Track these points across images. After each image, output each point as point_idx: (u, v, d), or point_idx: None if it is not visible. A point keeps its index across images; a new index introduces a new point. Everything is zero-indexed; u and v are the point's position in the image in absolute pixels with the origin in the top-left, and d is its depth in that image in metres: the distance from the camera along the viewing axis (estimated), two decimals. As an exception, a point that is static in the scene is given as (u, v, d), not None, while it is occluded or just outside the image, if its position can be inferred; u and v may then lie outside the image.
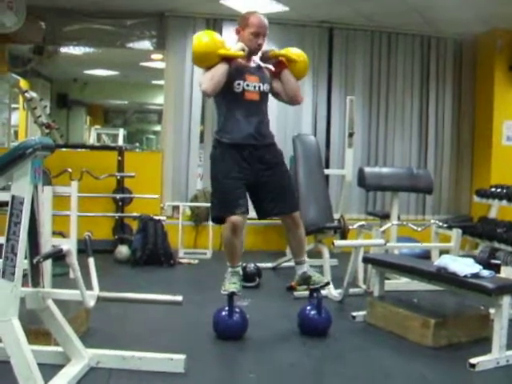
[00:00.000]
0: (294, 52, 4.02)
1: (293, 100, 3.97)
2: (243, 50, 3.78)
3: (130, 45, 7.72)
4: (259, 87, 3.82)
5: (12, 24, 6.43)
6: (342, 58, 7.92)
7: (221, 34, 7.48)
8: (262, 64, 3.96)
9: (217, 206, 3.84)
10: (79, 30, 7.48)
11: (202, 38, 3.78)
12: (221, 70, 3.68)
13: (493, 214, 6.87)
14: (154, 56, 9.02)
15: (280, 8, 7.01)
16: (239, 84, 3.76)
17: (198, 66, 3.96)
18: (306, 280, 3.95)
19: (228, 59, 3.73)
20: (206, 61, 3.75)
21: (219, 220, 3.83)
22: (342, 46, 7.95)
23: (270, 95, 3.97)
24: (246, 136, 3.78)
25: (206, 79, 3.70)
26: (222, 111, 3.88)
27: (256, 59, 3.95)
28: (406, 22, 7.60)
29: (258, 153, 3.81)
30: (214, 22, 7.59)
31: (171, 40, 7.59)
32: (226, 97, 3.79)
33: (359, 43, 7.99)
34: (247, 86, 3.78)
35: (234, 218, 3.66)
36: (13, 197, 2.53)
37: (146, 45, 7.76)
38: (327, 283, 4.01)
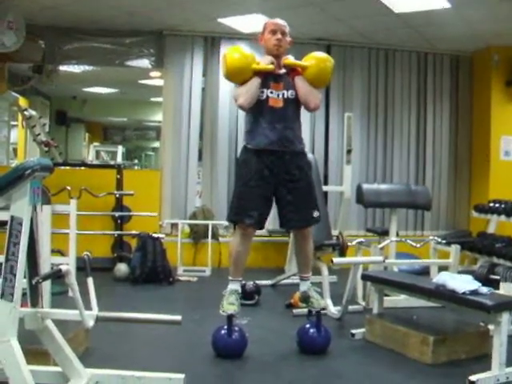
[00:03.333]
0: (318, 56, 4.00)
1: (306, 106, 3.95)
2: (272, 63, 3.84)
3: (129, 63, 7.77)
4: (283, 94, 3.86)
5: (12, 43, 6.48)
6: (339, 74, 7.96)
7: (219, 52, 7.56)
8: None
9: (232, 210, 3.93)
10: (78, 48, 7.54)
11: (234, 54, 3.83)
12: (255, 83, 3.77)
13: (491, 229, 6.86)
14: (152, 74, 9.07)
15: (277, 26, 7.04)
16: (263, 92, 3.82)
17: (230, 81, 4.01)
18: (305, 299, 3.98)
19: (260, 73, 3.80)
20: (240, 76, 3.82)
21: (231, 222, 4.02)
22: (340, 62, 7.98)
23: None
24: (271, 142, 3.81)
25: (241, 94, 3.79)
26: (248, 118, 3.96)
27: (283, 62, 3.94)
28: (402, 38, 7.66)
29: (284, 161, 3.83)
30: (213, 41, 7.66)
31: (170, 58, 7.64)
32: (252, 110, 3.85)
33: (356, 60, 8.04)
34: (271, 93, 3.84)
35: (243, 227, 3.75)
36: (12, 217, 2.53)
37: (144, 63, 7.81)
38: (323, 308, 4.02)
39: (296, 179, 3.86)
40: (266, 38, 3.94)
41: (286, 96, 3.86)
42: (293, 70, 3.91)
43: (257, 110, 3.85)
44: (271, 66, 3.83)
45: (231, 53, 3.86)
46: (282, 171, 3.83)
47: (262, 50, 4.03)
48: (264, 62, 3.85)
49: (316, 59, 3.93)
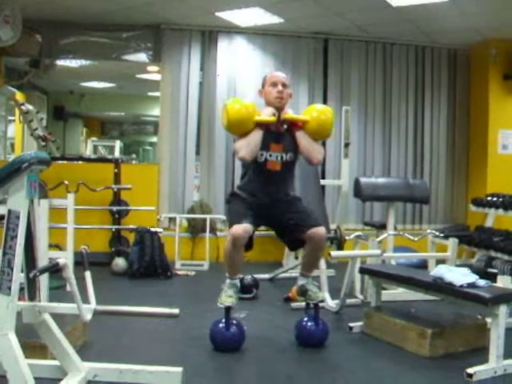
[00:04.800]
0: (318, 108, 4.00)
1: (308, 161, 3.93)
2: (274, 115, 3.80)
3: (126, 57, 7.76)
4: (282, 157, 3.84)
5: (8, 38, 6.44)
6: (337, 68, 7.97)
7: (216, 45, 7.54)
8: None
9: (230, 221, 3.90)
10: (75, 42, 7.53)
11: (235, 106, 3.78)
12: (257, 136, 3.74)
13: (489, 223, 6.87)
14: (149, 68, 9.05)
15: (275, 20, 7.04)
16: (262, 154, 3.80)
17: (231, 133, 3.98)
18: (303, 293, 3.97)
19: (261, 124, 3.77)
20: (241, 128, 3.78)
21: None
22: (337, 56, 7.99)
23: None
24: (261, 200, 3.86)
25: (243, 146, 3.75)
26: (245, 172, 3.98)
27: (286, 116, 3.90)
28: (400, 32, 7.65)
29: (274, 204, 3.89)
30: (210, 34, 7.64)
31: (167, 52, 7.62)
32: (250, 162, 3.83)
33: (354, 54, 8.03)
34: (270, 156, 3.82)
35: (236, 232, 3.63)
36: (9, 211, 2.53)
37: (141, 57, 7.80)
38: (321, 301, 3.99)
39: (289, 206, 3.89)
40: (266, 91, 3.90)
41: (284, 159, 3.85)
42: (293, 125, 3.87)
43: (253, 170, 3.88)
44: (273, 118, 3.80)
45: (232, 104, 3.80)
46: (273, 209, 3.87)
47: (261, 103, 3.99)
48: (265, 114, 3.81)
49: (316, 111, 3.90)
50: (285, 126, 3.89)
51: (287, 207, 3.88)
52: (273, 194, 3.87)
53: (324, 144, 7.94)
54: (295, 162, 3.95)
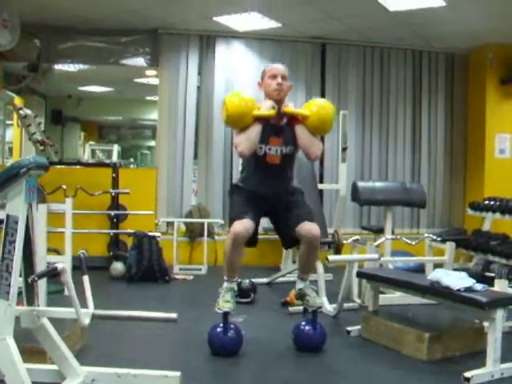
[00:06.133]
0: (318, 103, 3.97)
1: (306, 156, 3.94)
2: (273, 108, 3.79)
3: (124, 61, 7.76)
4: (281, 151, 3.83)
5: (7, 42, 6.45)
6: (334, 73, 7.99)
7: (214, 50, 7.56)
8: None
9: (230, 216, 3.94)
10: (73, 47, 7.54)
11: (234, 100, 3.77)
12: (256, 130, 3.73)
13: (486, 227, 6.89)
14: (147, 72, 9.05)
15: (273, 24, 7.06)
16: (261, 148, 3.80)
17: (231, 127, 3.98)
18: (301, 297, 3.97)
19: (261, 118, 3.76)
20: (240, 122, 3.77)
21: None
22: (335, 61, 8.01)
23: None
24: (263, 193, 3.86)
25: (242, 141, 3.75)
26: (245, 166, 3.98)
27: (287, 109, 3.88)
28: (397, 36, 7.67)
29: (276, 197, 3.89)
30: (208, 39, 7.66)
31: (165, 56, 7.63)
32: (251, 156, 3.84)
33: (352, 58, 8.05)
34: (269, 149, 3.81)
35: (236, 229, 3.64)
36: (7, 216, 2.54)
37: (139, 61, 7.80)
38: (319, 307, 3.97)
39: (290, 199, 3.91)
40: (266, 83, 3.88)
41: (284, 152, 3.84)
42: (293, 119, 3.86)
43: (253, 164, 3.88)
44: (273, 111, 3.78)
45: (231, 98, 3.79)
46: (274, 202, 3.88)
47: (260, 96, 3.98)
48: (265, 107, 3.79)
49: (317, 106, 3.88)
50: (284, 120, 3.88)
51: (288, 205, 3.87)
52: (274, 187, 3.87)
53: (322, 144, 7.95)
54: (295, 154, 3.95)
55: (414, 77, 8.28)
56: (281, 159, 3.85)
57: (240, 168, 4.09)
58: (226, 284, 3.83)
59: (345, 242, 5.61)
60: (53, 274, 2.71)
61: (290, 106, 3.87)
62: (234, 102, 3.75)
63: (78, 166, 8.39)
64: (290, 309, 4.89)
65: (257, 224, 3.81)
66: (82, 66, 8.69)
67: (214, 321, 3.81)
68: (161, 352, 3.85)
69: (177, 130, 7.61)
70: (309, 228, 3.74)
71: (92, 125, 13.79)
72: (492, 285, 4.04)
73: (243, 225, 3.65)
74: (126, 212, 6.91)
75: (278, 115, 3.84)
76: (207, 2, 6.50)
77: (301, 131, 3.81)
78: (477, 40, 7.66)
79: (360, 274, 4.66)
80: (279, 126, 3.85)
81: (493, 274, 5.99)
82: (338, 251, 5.69)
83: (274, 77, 3.84)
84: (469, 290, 3.56)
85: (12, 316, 2.53)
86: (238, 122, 3.80)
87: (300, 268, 4.06)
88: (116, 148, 13.15)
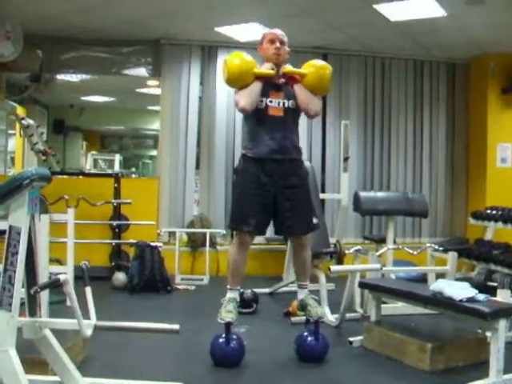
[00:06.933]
0: (316, 63, 4.02)
1: (306, 113, 3.97)
2: (272, 69, 3.86)
3: (126, 72, 7.79)
4: (284, 103, 3.87)
5: (9, 53, 6.49)
6: (336, 82, 7.96)
7: (216, 60, 7.59)
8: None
9: (231, 217, 3.97)
10: (76, 57, 7.57)
11: (234, 60, 3.84)
12: (257, 86, 3.79)
13: (489, 236, 6.88)
14: (149, 82, 9.11)
15: (274, 35, 7.07)
16: (262, 101, 3.83)
17: (231, 86, 3.99)
18: (303, 307, 3.99)
19: (261, 77, 3.82)
20: (240, 81, 3.83)
21: (230, 229, 4.05)
22: (336, 70, 7.95)
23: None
24: (270, 151, 3.84)
25: (243, 97, 3.79)
26: (247, 127, 4.01)
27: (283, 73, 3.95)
28: (398, 46, 7.70)
29: (282, 169, 3.86)
30: (210, 49, 7.69)
31: (167, 67, 7.66)
32: (251, 113, 3.86)
33: (353, 68, 8.08)
34: (270, 102, 3.84)
35: (240, 235, 3.77)
36: (10, 227, 2.54)
37: (141, 71, 7.83)
38: (321, 317, 3.97)
39: (294, 186, 3.89)
40: (264, 47, 3.96)
41: (286, 105, 3.87)
42: (292, 78, 3.92)
43: (256, 119, 3.88)
44: (272, 71, 3.85)
45: (232, 58, 3.86)
46: (280, 179, 3.85)
47: (260, 59, 4.03)
48: (265, 68, 3.88)
49: (315, 67, 3.96)
50: (283, 80, 3.93)
51: (290, 197, 3.87)
52: (280, 141, 3.85)
53: (323, 156, 7.98)
54: (298, 114, 3.97)
55: (415, 86, 8.29)
56: (284, 112, 3.87)
57: (245, 131, 4.12)
58: (228, 294, 3.85)
59: (347, 251, 5.60)
60: (55, 285, 2.71)
61: (288, 67, 3.96)
62: (234, 62, 3.83)
63: (80, 176, 8.41)
64: (293, 319, 4.87)
65: (262, 218, 3.86)
66: (84, 76, 8.75)
67: (216, 331, 3.80)
68: (163, 363, 3.85)
69: (179, 140, 7.62)
70: (302, 243, 3.98)
71: (94, 134, 13.85)
72: (494, 294, 4.03)
73: (248, 234, 3.79)
74: (128, 222, 6.91)
75: (277, 77, 3.91)
76: (209, 13, 6.53)
77: (299, 90, 3.89)
78: (478, 49, 7.68)
79: (362, 284, 4.66)
80: (279, 84, 3.91)
81: (495, 284, 5.98)
82: (339, 261, 5.68)
83: (272, 41, 3.93)
84: (471, 300, 3.56)
85: (14, 327, 2.53)
86: (238, 81, 3.85)
87: (297, 275, 4.11)
88: (118, 158, 13.20)
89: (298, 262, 4.05)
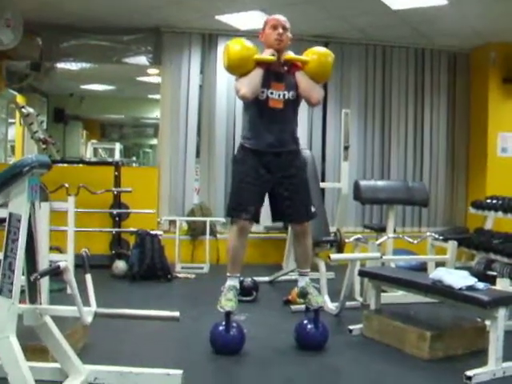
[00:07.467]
0: (318, 50, 3.99)
1: (307, 101, 3.94)
2: (273, 55, 3.83)
3: (127, 60, 7.76)
4: (284, 95, 3.84)
5: (9, 41, 6.46)
6: (337, 71, 7.95)
7: (216, 49, 7.56)
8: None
9: (229, 205, 3.95)
10: (76, 46, 7.55)
11: (235, 46, 3.80)
12: (257, 74, 3.75)
13: (489, 226, 6.88)
14: (150, 71, 9.08)
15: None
16: (263, 92, 3.80)
17: (232, 73, 3.94)
18: (303, 295, 3.99)
19: (262, 64, 3.79)
20: (241, 68, 3.79)
21: (229, 217, 4.05)
22: (337, 59, 7.88)
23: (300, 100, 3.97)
24: (267, 145, 3.83)
25: (244, 84, 3.76)
26: (247, 117, 3.99)
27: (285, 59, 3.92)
28: (400, 35, 7.67)
29: (280, 160, 3.86)
30: (210, 38, 7.66)
31: (167, 55, 7.64)
32: (251, 104, 3.85)
33: (354, 57, 8.05)
34: (271, 93, 3.82)
35: (239, 222, 3.77)
36: (10, 214, 2.54)
37: (142, 60, 7.80)
38: (320, 307, 3.97)
39: (292, 176, 3.89)
40: (266, 33, 3.92)
41: (286, 97, 3.85)
42: (293, 65, 3.89)
43: (256, 110, 3.86)
44: (273, 58, 3.82)
45: (232, 44, 3.82)
46: (278, 170, 3.86)
47: (262, 47, 3.99)
48: (266, 54, 3.85)
49: (317, 54, 3.92)
50: (285, 68, 3.90)
51: (288, 187, 3.88)
52: (278, 133, 3.85)
53: (324, 145, 7.97)
54: (298, 104, 3.96)
55: (416, 75, 8.27)
56: (284, 104, 3.85)
57: (244, 120, 4.10)
58: (228, 281, 3.86)
59: (347, 240, 5.61)
60: (55, 273, 2.72)
61: (290, 54, 3.93)
62: (235, 48, 3.79)
63: (80, 165, 8.40)
64: (292, 307, 4.89)
65: (259, 206, 3.87)
66: (84, 65, 8.72)
67: (216, 319, 3.81)
68: (163, 350, 3.86)
69: (179, 129, 7.61)
70: (303, 231, 3.98)
71: (94, 123, 13.80)
72: (494, 283, 4.04)
73: (247, 220, 3.78)
74: (129, 210, 6.92)
75: (279, 64, 3.88)
76: (209, 1, 6.50)
77: (301, 77, 3.85)
78: (479, 39, 7.65)
79: (362, 273, 4.66)
80: (280, 73, 3.88)
81: (495, 273, 5.98)
82: (340, 250, 5.69)
83: (274, 27, 3.89)
84: (471, 288, 3.57)
85: (15, 314, 2.54)
86: (238, 68, 3.82)
87: (297, 263, 4.13)
88: (118, 146, 13.16)
89: (299, 249, 4.05)
